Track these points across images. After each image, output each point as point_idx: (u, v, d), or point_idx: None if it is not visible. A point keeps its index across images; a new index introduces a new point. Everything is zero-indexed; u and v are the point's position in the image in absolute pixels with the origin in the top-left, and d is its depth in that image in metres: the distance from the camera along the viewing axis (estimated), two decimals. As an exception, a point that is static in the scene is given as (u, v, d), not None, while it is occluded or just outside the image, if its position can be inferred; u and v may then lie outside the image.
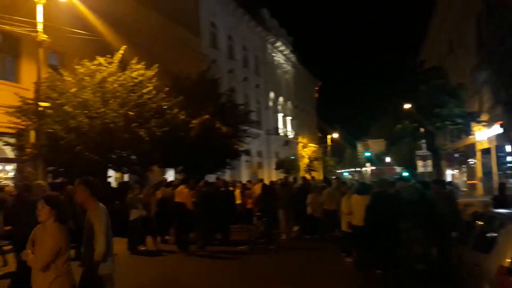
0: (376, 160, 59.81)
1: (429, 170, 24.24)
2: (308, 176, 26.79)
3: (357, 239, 8.35)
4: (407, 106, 24.94)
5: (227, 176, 22.78)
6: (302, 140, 47.32)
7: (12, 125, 13.21)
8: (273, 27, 41.14)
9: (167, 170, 22.01)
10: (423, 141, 25.71)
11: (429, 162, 24.16)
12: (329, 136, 53.28)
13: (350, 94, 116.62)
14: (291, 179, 18.27)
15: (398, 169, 47.66)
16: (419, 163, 24.46)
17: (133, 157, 14.42)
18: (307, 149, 46.50)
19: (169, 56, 20.09)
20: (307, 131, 50.54)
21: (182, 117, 15.69)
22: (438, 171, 25.92)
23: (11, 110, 13.09)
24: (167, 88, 15.46)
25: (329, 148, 53.48)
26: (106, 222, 4.30)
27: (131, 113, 13.26)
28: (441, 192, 8.56)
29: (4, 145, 14.24)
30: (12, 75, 15.62)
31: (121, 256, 9.91)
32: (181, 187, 11.07)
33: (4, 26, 12.86)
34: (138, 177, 15.87)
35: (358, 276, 8.06)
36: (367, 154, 59.73)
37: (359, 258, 8.52)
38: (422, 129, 24.74)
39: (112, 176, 16.77)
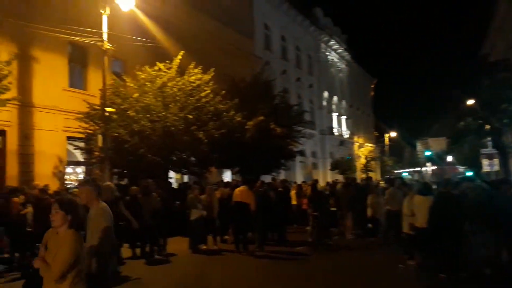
0: (437, 159, 57.22)
1: (495, 170, 22.84)
2: (364, 177, 26.23)
3: (420, 242, 8.09)
4: (470, 102, 23.70)
5: (281, 177, 22.86)
6: (358, 139, 46.42)
7: (81, 130, 14.14)
8: (326, 25, 40.73)
9: (224, 171, 22.48)
10: (489, 138, 24.29)
11: (496, 161, 22.76)
12: (386, 135, 51.77)
13: (409, 92, 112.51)
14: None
15: (461, 168, 45.35)
16: (485, 162, 23.09)
17: (192, 158, 14.89)
18: (363, 149, 45.54)
19: (224, 60, 20.52)
20: (363, 131, 49.53)
21: (238, 119, 15.99)
22: (506, 170, 24.38)
23: (80, 116, 14.02)
24: (223, 91, 15.82)
25: (387, 147, 51.98)
26: (110, 220, 4.46)
27: (190, 116, 13.70)
28: (510, 192, 8.08)
29: (75, 149, 15.26)
30: (80, 83, 16.70)
31: (182, 255, 10.30)
32: (243, 187, 11.22)
33: (73, 37, 13.76)
34: (197, 178, 16.36)
35: (421, 280, 7.80)
36: (428, 153, 57.22)
37: (422, 261, 8.24)
38: (487, 126, 23.38)
39: (173, 177, 17.39)
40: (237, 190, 11.15)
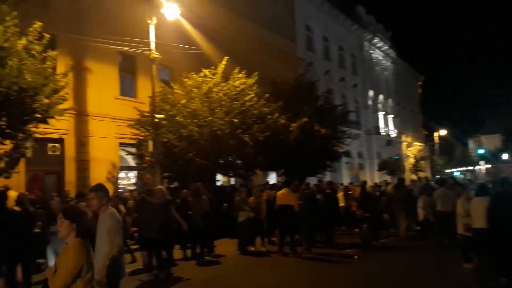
0: (491, 157, 54.56)
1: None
2: (415, 177, 25.51)
3: (477, 244, 7.77)
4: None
5: (327, 178, 22.66)
6: (406, 139, 45.15)
7: (133, 136, 14.74)
8: (369, 23, 40.00)
9: (269, 173, 22.59)
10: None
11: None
12: (436, 134, 49.95)
13: (458, 87, 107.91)
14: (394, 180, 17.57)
15: (518, 166, 42.98)
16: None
17: (238, 161, 15.11)
18: (412, 148, 44.21)
19: (267, 63, 20.66)
20: (411, 129, 48.15)
21: (282, 121, 16.07)
22: None
23: (131, 122, 14.62)
24: (267, 95, 15.96)
25: (436, 146, 50.17)
26: (118, 226, 4.54)
27: (235, 120, 13.91)
28: None
29: (127, 154, 15.91)
30: (131, 91, 17.42)
31: (231, 257, 10.47)
32: (285, 190, 11.25)
33: (123, 48, 14.38)
34: (243, 181, 16.57)
35: (479, 285, 7.49)
36: (481, 151, 54.70)
37: (480, 264, 7.91)
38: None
39: (220, 180, 17.71)
40: (279, 193, 11.15)
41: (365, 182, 15.91)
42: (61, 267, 3.31)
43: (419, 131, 51.81)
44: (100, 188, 4.67)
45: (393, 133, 42.72)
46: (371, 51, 40.83)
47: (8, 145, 10.05)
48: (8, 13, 9.40)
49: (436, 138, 49.88)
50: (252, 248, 11.05)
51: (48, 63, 10.13)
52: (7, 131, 9.55)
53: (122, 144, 16.15)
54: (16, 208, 7.37)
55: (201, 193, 10.64)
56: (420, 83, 54.63)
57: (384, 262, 9.57)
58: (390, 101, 43.84)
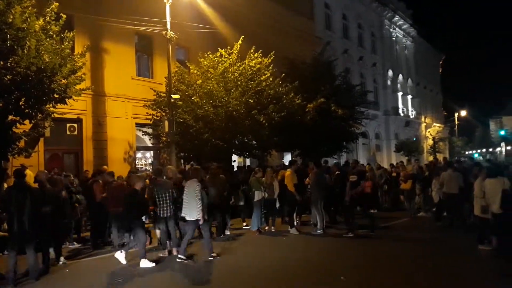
0: (513, 138, 53.32)
1: None
2: (431, 158, 25.16)
3: (494, 226, 7.66)
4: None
5: (343, 159, 22.54)
6: (425, 120, 44.40)
7: (149, 117, 14.85)
8: (390, 1, 38.99)
9: (284, 154, 22.58)
10: None
11: None
12: (456, 115, 49.00)
13: (480, 67, 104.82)
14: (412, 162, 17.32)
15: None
16: None
17: (254, 142, 15.11)
18: (431, 130, 43.54)
19: (284, 43, 20.38)
20: (430, 110, 47.32)
21: (298, 101, 15.92)
22: None
23: (147, 103, 14.70)
24: (283, 74, 15.79)
25: (456, 127, 49.28)
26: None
27: (251, 100, 13.84)
28: None
29: (143, 134, 16.06)
30: (147, 72, 17.46)
31: (246, 235, 10.59)
32: (288, 171, 11.36)
33: (139, 28, 14.36)
34: (259, 161, 16.60)
35: (496, 267, 7.38)
36: (502, 132, 53.49)
37: (499, 246, 7.79)
38: None
39: (236, 160, 17.77)
40: (285, 174, 11.36)
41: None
42: None
43: (439, 112, 50.92)
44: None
45: (412, 113, 42.07)
46: (391, 30, 39.94)
47: (27, 125, 10.23)
48: (25, -7, 9.44)
49: (456, 119, 48.99)
50: (266, 227, 11.16)
51: (66, 43, 10.14)
52: (26, 111, 9.66)
53: (138, 124, 16.30)
54: (35, 185, 7.58)
55: (218, 172, 10.72)
56: (441, 62, 53.36)
57: (392, 246, 9.48)
58: (409, 81, 43.05)
